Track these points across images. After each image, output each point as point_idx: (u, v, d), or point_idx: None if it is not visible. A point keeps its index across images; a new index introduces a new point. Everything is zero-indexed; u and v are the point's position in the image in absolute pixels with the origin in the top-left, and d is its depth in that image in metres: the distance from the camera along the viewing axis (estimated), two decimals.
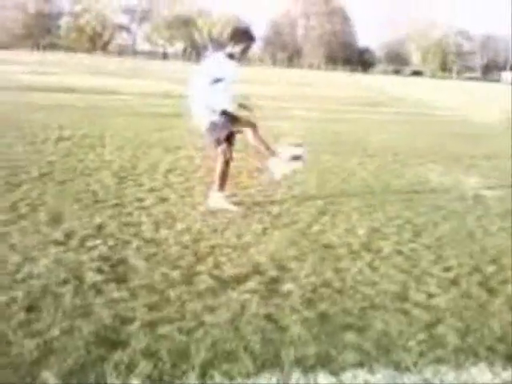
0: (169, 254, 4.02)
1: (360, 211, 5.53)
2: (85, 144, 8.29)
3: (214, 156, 5.58)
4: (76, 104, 14.00)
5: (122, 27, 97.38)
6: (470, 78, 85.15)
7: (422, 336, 3.00)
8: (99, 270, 3.59)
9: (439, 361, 2.77)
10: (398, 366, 2.71)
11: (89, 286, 3.36)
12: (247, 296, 3.36)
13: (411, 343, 2.92)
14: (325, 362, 2.69)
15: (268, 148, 5.36)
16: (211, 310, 3.15)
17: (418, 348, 2.87)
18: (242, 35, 5.11)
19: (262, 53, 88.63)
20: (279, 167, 5.38)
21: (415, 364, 2.73)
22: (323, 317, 3.15)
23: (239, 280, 3.61)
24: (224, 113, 5.10)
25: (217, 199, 5.27)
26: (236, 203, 5.36)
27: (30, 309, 2.99)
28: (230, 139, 5.27)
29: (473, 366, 2.75)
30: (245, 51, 5.11)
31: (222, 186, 5.29)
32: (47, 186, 5.67)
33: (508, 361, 2.81)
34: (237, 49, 5.06)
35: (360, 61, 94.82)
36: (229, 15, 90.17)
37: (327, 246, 4.40)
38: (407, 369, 2.70)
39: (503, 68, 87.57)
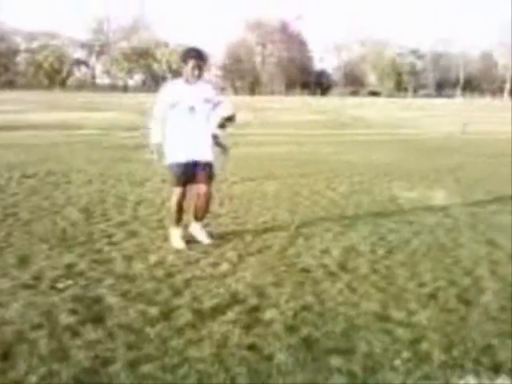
0: (144, 289, 3.93)
1: (333, 232, 5.54)
2: (50, 181, 8.12)
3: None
4: (38, 141, 13.78)
5: (79, 62, 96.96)
6: (425, 95, 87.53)
7: (406, 354, 2.99)
8: (73, 311, 3.48)
9: (427, 378, 2.77)
10: None
11: (64, 328, 3.25)
12: (229, 327, 3.30)
13: (397, 362, 2.90)
14: None
15: (198, 217, 5.22)
16: (193, 344, 3.08)
17: (405, 367, 2.86)
18: (190, 53, 4.92)
19: (223, 81, 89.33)
20: (198, 234, 5.21)
21: (403, 382, 2.71)
22: (307, 342, 3.12)
23: (219, 311, 3.54)
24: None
25: (172, 235, 5.12)
26: (210, 234, 5.28)
27: (4, 356, 2.87)
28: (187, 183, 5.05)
29: (460, 379, 2.75)
30: (196, 70, 4.85)
31: (176, 222, 5.12)
32: (12, 226, 5.51)
33: (494, 371, 2.82)
34: (188, 68, 4.84)
35: (318, 84, 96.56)
36: (186, 45, 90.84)
37: (304, 270, 4.38)
38: None
39: (455, 84, 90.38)
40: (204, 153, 4.99)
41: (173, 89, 5.01)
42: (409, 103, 53.09)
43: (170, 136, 4.96)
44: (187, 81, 4.91)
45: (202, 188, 5.06)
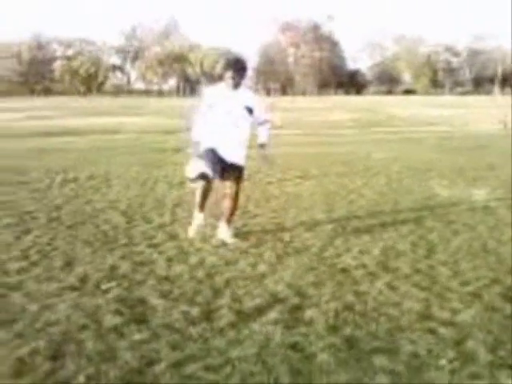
0: (185, 290, 3.98)
1: (371, 231, 5.50)
2: (90, 185, 8.30)
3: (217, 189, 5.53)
4: (77, 146, 14.10)
5: (115, 67, 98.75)
6: (462, 93, 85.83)
7: (452, 353, 2.95)
8: (118, 312, 3.55)
9: (474, 377, 2.72)
10: None
11: (109, 329, 3.32)
12: (270, 327, 3.31)
13: (442, 362, 2.86)
14: None
15: (225, 216, 5.29)
16: (236, 344, 3.10)
17: (450, 366, 2.82)
18: (229, 63, 5.08)
19: (255, 83, 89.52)
20: (226, 235, 5.23)
21: (450, 382, 2.67)
22: (349, 341, 3.11)
23: (260, 311, 3.56)
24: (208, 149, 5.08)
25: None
26: (241, 235, 5.34)
27: (53, 357, 2.95)
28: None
29: (508, 379, 2.70)
30: (236, 79, 5.03)
31: (200, 209, 5.31)
32: (56, 230, 5.66)
33: None
34: (226, 77, 5.02)
35: (352, 83, 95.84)
36: (219, 48, 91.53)
37: (344, 270, 4.36)
38: None
39: (492, 81, 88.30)
40: (235, 155, 5.13)
41: (213, 91, 5.24)
42: (445, 101, 52.15)
43: (207, 133, 5.11)
44: (229, 86, 5.07)
45: (228, 188, 5.22)
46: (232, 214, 5.34)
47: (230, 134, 5.08)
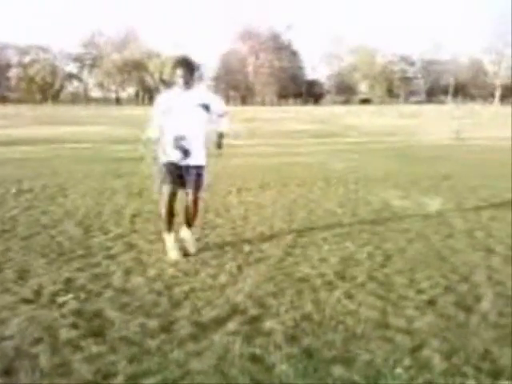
0: (143, 302, 3.93)
1: (330, 241, 5.57)
2: (46, 195, 8.12)
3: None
4: (33, 156, 13.77)
5: (72, 75, 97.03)
6: (416, 102, 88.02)
7: (408, 361, 3.02)
8: (74, 326, 3.48)
9: None
10: None
11: (65, 342, 3.25)
12: (230, 338, 3.31)
13: (399, 370, 2.92)
14: None
15: (189, 221, 5.29)
16: (195, 356, 3.09)
17: (407, 374, 2.88)
18: (178, 62, 5.10)
19: (215, 92, 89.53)
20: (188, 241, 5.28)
21: None
22: (308, 352, 3.13)
23: (219, 322, 3.56)
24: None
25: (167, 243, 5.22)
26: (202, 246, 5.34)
27: (6, 372, 2.87)
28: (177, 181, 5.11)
29: None
30: (186, 77, 5.00)
31: (168, 228, 5.23)
32: (10, 242, 5.51)
33: (495, 377, 2.84)
34: (176, 76, 5.01)
35: (310, 93, 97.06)
36: (179, 56, 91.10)
37: (302, 279, 4.40)
38: None
39: (446, 91, 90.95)
40: (195, 156, 5.09)
41: (167, 96, 5.19)
42: (400, 110, 53.39)
43: (164, 139, 5.09)
44: (180, 88, 5.06)
45: (190, 192, 5.16)
46: (194, 216, 5.28)
47: (188, 133, 5.03)
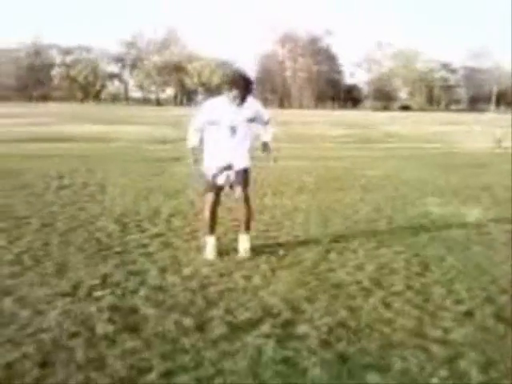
0: (178, 300, 3.96)
1: (366, 247, 5.50)
2: (85, 192, 8.29)
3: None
4: (73, 153, 14.08)
5: (113, 75, 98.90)
6: (458, 110, 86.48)
7: (443, 372, 2.95)
8: (110, 321, 3.54)
9: None
10: None
11: (100, 337, 3.30)
12: (262, 340, 3.30)
13: (434, 380, 2.86)
14: None
15: (243, 226, 5.27)
16: (227, 356, 3.09)
17: None
18: (236, 82, 4.94)
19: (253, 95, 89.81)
20: (245, 244, 5.24)
21: None
22: (342, 358, 3.10)
23: (253, 324, 3.55)
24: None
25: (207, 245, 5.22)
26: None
27: (43, 364, 2.93)
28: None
29: None
30: (239, 99, 4.91)
31: (210, 231, 5.26)
32: (50, 236, 5.63)
33: None
34: (231, 95, 4.91)
35: (348, 98, 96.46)
36: (218, 59, 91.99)
37: (337, 285, 4.36)
38: None
39: (488, 99, 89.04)
40: (241, 162, 5.12)
41: (214, 107, 5.09)
42: (440, 118, 52.50)
43: (208, 148, 5.16)
44: (231, 101, 4.95)
45: (238, 191, 5.16)
46: (248, 220, 5.28)
47: (234, 148, 5.05)
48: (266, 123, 5.34)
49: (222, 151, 5.05)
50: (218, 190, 5.18)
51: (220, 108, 5.02)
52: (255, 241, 5.66)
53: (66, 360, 3.00)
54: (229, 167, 5.07)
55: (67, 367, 2.92)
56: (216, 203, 5.23)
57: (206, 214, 5.23)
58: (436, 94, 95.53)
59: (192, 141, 5.22)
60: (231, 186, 5.19)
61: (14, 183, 8.82)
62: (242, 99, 4.96)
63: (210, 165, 5.12)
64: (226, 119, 4.97)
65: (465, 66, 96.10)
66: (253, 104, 5.18)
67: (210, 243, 5.19)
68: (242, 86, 4.94)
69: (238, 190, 5.17)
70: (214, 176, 5.10)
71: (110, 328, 3.41)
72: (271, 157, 5.47)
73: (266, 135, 5.40)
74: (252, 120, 5.14)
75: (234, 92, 4.90)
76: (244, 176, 5.17)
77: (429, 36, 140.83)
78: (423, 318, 3.72)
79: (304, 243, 5.62)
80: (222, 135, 5.02)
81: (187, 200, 7.85)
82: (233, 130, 5.00)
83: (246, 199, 5.22)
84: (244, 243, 5.22)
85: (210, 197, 5.19)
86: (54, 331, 3.36)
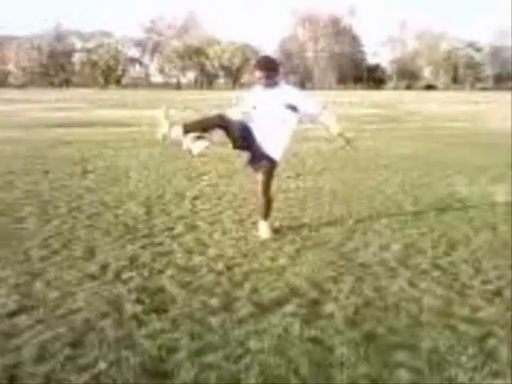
0: (204, 281, 4.00)
1: (391, 228, 5.46)
2: (109, 176, 8.37)
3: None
4: (97, 138, 14.19)
5: (134, 60, 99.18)
6: (483, 89, 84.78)
7: (473, 351, 2.93)
8: (138, 301, 3.59)
9: (495, 375, 2.70)
10: (453, 383, 2.64)
11: (129, 317, 3.35)
12: (289, 319, 3.32)
13: (463, 359, 2.84)
14: (378, 382, 2.63)
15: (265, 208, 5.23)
16: (254, 335, 3.11)
17: (472, 363, 2.80)
18: (257, 64, 5.00)
19: None
20: (265, 229, 5.22)
21: (471, 379, 2.65)
22: (369, 337, 3.10)
23: (279, 303, 3.57)
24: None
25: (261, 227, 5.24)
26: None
27: (74, 344, 2.99)
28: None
29: None
30: (263, 79, 4.93)
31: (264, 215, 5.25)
32: (77, 220, 5.72)
33: None
34: (258, 76, 4.95)
35: (371, 78, 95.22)
36: (238, 42, 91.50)
37: (363, 265, 4.35)
38: None
39: None
40: (273, 150, 5.02)
41: (253, 93, 5.18)
42: (465, 97, 51.56)
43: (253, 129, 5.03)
44: (260, 86, 5.04)
45: (259, 177, 5.12)
46: (267, 209, 5.23)
47: (268, 132, 4.96)
48: (320, 114, 5.13)
49: (258, 135, 4.96)
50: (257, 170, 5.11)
51: (257, 94, 5.11)
52: (279, 222, 5.67)
53: (97, 340, 3.05)
54: (260, 153, 5.01)
55: (98, 347, 2.97)
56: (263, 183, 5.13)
57: (257, 196, 5.23)
58: (461, 72, 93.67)
59: (232, 113, 5.15)
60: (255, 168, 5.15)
61: (40, 169, 8.95)
62: (269, 80, 4.94)
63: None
64: (261, 103, 5.00)
65: (490, 45, 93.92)
66: (291, 91, 5.08)
67: (262, 226, 5.21)
68: (265, 66, 4.95)
69: (260, 177, 5.11)
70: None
71: (139, 308, 3.46)
72: (352, 144, 5.50)
73: (333, 128, 5.26)
74: (293, 108, 4.96)
75: (258, 73, 4.93)
76: (269, 165, 5.05)
77: (454, 15, 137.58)
78: (451, 297, 3.69)
79: (328, 224, 5.60)
80: (259, 123, 4.96)
81: (210, 183, 7.88)
82: (268, 114, 4.95)
83: (266, 188, 5.14)
84: (263, 229, 5.20)
85: (257, 177, 5.16)
86: (84, 312, 3.42)
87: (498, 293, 3.79)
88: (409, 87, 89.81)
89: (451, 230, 5.39)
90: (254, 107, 5.04)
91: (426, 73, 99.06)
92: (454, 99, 47.35)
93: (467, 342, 3.04)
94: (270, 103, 4.95)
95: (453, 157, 10.93)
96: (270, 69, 4.97)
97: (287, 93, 5.01)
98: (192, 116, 21.28)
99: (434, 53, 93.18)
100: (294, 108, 4.97)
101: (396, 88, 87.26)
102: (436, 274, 4.16)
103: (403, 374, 2.70)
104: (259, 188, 5.16)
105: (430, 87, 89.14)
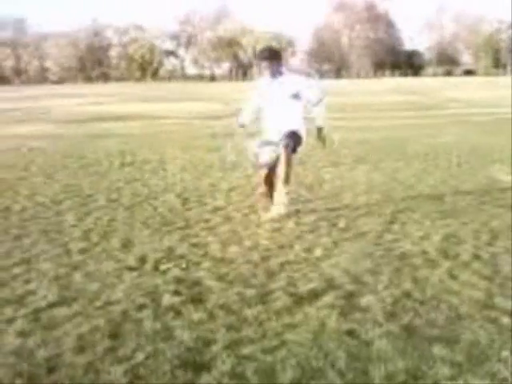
0: (240, 272, 4.00)
1: (432, 217, 5.35)
2: (147, 169, 8.47)
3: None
4: (133, 131, 14.39)
5: (169, 53, 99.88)
6: None
7: None
8: (176, 292, 3.61)
9: None
10: (494, 378, 2.57)
11: (167, 308, 3.38)
12: (326, 312, 3.28)
13: (505, 353, 2.76)
14: (416, 376, 2.58)
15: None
16: (291, 327, 3.09)
17: None
18: (260, 55, 5.30)
19: (309, 66, 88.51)
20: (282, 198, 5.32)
21: None
22: (408, 330, 3.04)
23: (315, 295, 3.54)
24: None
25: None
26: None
27: (113, 335, 3.03)
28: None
29: None
30: (268, 69, 5.20)
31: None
32: (116, 212, 5.80)
33: None
34: (264, 66, 5.22)
35: (409, 64, 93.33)
36: (271, 32, 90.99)
37: (402, 256, 4.27)
38: (505, 380, 2.55)
39: None
40: (292, 124, 5.22)
41: (262, 82, 5.48)
42: (507, 81, 50.02)
43: (261, 122, 5.50)
44: (267, 75, 5.28)
45: (281, 152, 5.19)
46: (287, 176, 5.27)
47: (281, 122, 5.23)
48: (316, 104, 5.27)
49: (267, 125, 5.32)
50: (266, 167, 5.38)
51: (264, 83, 5.38)
52: (314, 213, 5.62)
53: (135, 331, 3.09)
54: (270, 142, 5.23)
55: (136, 338, 3.00)
56: (268, 179, 5.41)
57: (260, 190, 5.49)
58: (503, 56, 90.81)
59: (242, 117, 5.59)
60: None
61: (79, 163, 9.13)
62: (274, 69, 5.19)
63: (257, 141, 5.43)
64: (269, 93, 5.27)
65: None
66: (298, 79, 5.37)
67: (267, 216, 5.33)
68: (268, 56, 5.22)
69: (282, 151, 5.18)
70: (258, 152, 5.34)
71: (176, 300, 3.49)
72: (328, 143, 5.54)
73: (318, 119, 5.38)
74: (297, 97, 5.19)
75: (263, 64, 5.20)
76: (290, 138, 5.15)
77: None
78: (492, 289, 3.59)
79: (365, 215, 5.52)
80: (265, 110, 5.33)
81: (244, 174, 7.87)
82: (274, 101, 5.23)
83: (287, 159, 5.16)
84: (281, 196, 5.24)
85: (261, 173, 5.42)
86: (122, 304, 3.46)
87: None
88: (448, 73, 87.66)
89: (493, 219, 5.23)
90: (261, 95, 5.36)
91: (466, 57, 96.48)
92: (494, 84, 46.02)
93: (509, 335, 2.95)
94: (276, 91, 5.22)
95: (493, 144, 10.63)
96: (273, 57, 5.23)
97: (291, 81, 5.28)
98: (225, 108, 21.29)
99: (473, 36, 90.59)
100: (298, 96, 5.22)
101: (435, 74, 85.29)
102: (477, 265, 4.04)
103: (442, 368, 2.64)
104: (283, 159, 5.15)
105: (469, 72, 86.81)
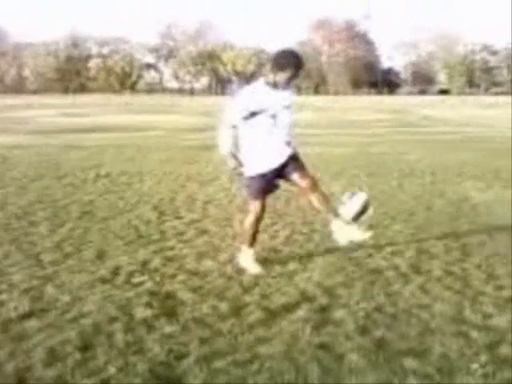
0: (214, 286, 3.99)
1: (404, 233, 5.42)
2: (123, 181, 8.42)
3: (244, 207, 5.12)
4: (111, 142, 14.30)
5: (149, 66, 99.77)
6: (499, 93, 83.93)
7: (484, 358, 2.88)
8: (148, 305, 3.59)
9: (508, 382, 2.65)
10: None
11: (139, 321, 3.35)
12: (299, 325, 3.30)
13: (475, 366, 2.80)
14: None
15: (330, 208, 4.47)
16: (264, 341, 3.09)
17: (483, 370, 2.75)
18: (291, 60, 4.20)
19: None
20: (344, 232, 4.37)
21: None
22: (379, 343, 3.06)
23: (288, 309, 3.55)
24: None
25: (246, 257, 4.43)
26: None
27: (84, 348, 2.99)
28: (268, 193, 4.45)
29: None
30: (293, 79, 4.27)
31: (251, 243, 4.45)
32: (89, 224, 5.75)
33: None
34: (284, 75, 4.18)
35: (385, 83, 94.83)
36: (252, 48, 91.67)
37: (374, 270, 4.31)
38: None
39: None
40: (285, 152, 4.32)
41: (256, 94, 4.25)
42: (480, 101, 51.16)
43: (249, 146, 4.32)
44: (274, 86, 4.23)
45: (302, 182, 4.37)
46: (324, 197, 4.48)
47: (277, 139, 4.29)
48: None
49: (265, 149, 4.25)
50: (264, 194, 4.39)
51: (262, 94, 4.22)
52: (289, 227, 5.65)
53: (106, 344, 3.05)
54: (279, 169, 4.31)
55: (107, 351, 2.97)
56: (263, 212, 4.39)
57: (250, 224, 4.38)
58: (477, 76, 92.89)
59: (227, 145, 4.34)
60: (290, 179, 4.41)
61: (54, 174, 9.03)
62: (293, 79, 4.27)
63: (254, 171, 4.30)
64: (269, 105, 4.20)
65: (506, 48, 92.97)
66: (289, 90, 4.40)
67: (248, 256, 4.41)
68: (298, 64, 4.23)
69: (300, 178, 4.35)
70: (263, 185, 4.32)
71: (149, 313, 3.46)
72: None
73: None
74: (288, 108, 4.36)
75: (289, 72, 4.17)
76: (295, 162, 4.37)
77: (469, 18, 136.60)
78: (463, 303, 3.64)
79: None
80: (262, 126, 4.23)
81: (221, 187, 7.88)
82: (273, 117, 4.23)
83: (315, 181, 4.47)
84: (339, 227, 4.35)
85: (256, 206, 4.34)
86: (94, 316, 3.42)
87: (511, 299, 3.73)
88: (423, 92, 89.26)
89: (465, 236, 5.32)
90: (258, 112, 4.20)
91: (441, 77, 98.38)
92: (468, 104, 47.00)
93: (479, 348, 2.99)
94: (276, 104, 4.26)
95: (467, 161, 10.83)
96: (302, 67, 4.31)
97: (286, 91, 4.34)
98: (204, 121, 21.32)
99: (449, 56, 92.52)
100: (288, 108, 4.34)
101: (410, 93, 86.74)
102: (448, 280, 4.10)
103: (413, 381, 2.67)
104: (311, 186, 4.37)
105: (444, 92, 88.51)
